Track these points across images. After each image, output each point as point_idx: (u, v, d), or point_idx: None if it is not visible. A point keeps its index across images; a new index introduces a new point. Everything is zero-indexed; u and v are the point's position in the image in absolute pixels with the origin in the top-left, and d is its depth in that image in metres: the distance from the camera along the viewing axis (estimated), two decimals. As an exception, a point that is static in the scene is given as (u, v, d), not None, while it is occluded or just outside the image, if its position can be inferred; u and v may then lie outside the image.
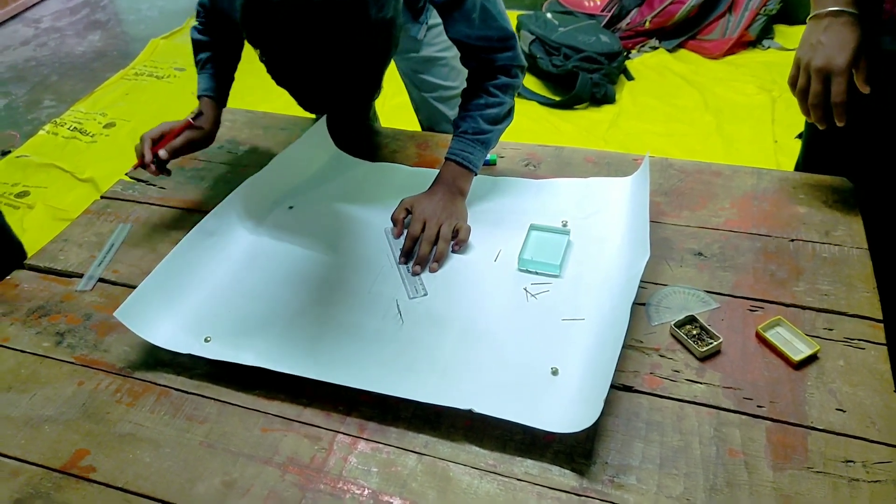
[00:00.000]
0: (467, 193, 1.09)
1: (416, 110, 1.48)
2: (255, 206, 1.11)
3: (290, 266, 1.01)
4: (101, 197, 1.23)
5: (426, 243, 1.00)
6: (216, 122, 1.17)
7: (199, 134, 1.13)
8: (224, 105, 1.19)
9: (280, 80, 0.81)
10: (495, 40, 1.06)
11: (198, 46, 1.18)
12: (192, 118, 1.13)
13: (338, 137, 1.29)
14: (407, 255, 1.01)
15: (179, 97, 2.93)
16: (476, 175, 1.10)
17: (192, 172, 1.27)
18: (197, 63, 1.18)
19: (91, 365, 0.91)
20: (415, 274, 0.99)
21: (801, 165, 1.22)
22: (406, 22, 1.23)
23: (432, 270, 1.00)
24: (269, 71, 0.80)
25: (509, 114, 1.11)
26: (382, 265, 1.00)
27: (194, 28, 1.18)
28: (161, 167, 1.10)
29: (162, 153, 1.09)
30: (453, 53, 1.34)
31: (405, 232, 1.04)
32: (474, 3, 1.01)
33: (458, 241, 1.02)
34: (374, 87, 0.88)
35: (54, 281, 1.05)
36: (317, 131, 1.24)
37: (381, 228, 1.07)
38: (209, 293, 0.97)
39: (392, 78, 1.48)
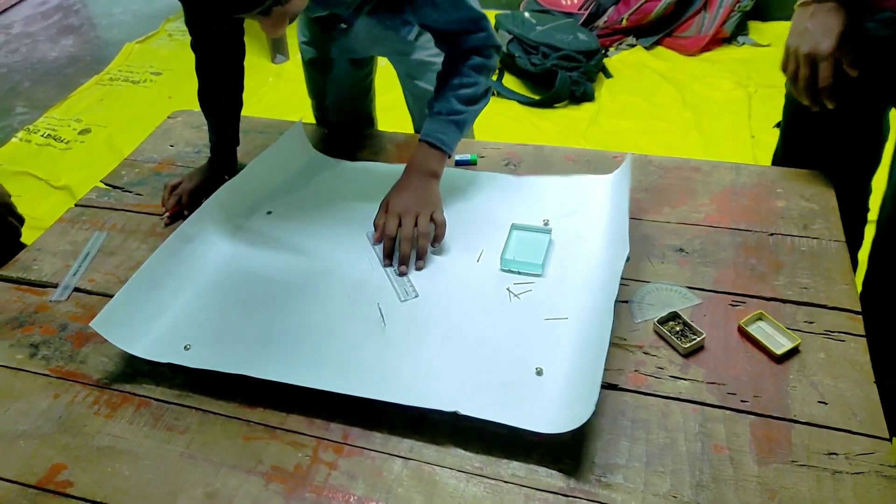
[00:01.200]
0: (440, 175, 1.07)
1: (411, 114, 1.46)
2: (233, 211, 1.10)
3: (270, 272, 1.00)
4: (76, 205, 1.21)
5: (405, 242, 0.99)
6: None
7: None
8: (237, 144, 1.23)
9: None
10: (466, 21, 1.05)
11: (205, 100, 1.19)
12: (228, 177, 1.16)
13: (316, 140, 1.28)
14: (389, 255, 1.00)
15: (156, 102, 2.89)
16: (450, 157, 1.08)
17: (168, 177, 1.25)
18: (208, 118, 1.21)
19: (67, 377, 0.89)
20: (402, 274, 0.98)
21: (780, 154, 1.24)
22: (394, 25, 1.21)
23: (418, 268, 0.99)
24: None
25: (485, 94, 1.10)
26: (363, 269, 0.99)
27: (196, 68, 1.17)
28: (175, 218, 1.15)
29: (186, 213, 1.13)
30: None
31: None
32: None
33: (436, 237, 1.01)
34: None
35: (28, 291, 1.03)
36: (294, 133, 1.22)
37: (361, 230, 1.06)
38: (188, 301, 0.96)
39: (381, 77, 1.47)
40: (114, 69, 3.22)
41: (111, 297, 0.90)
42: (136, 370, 0.89)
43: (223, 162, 1.21)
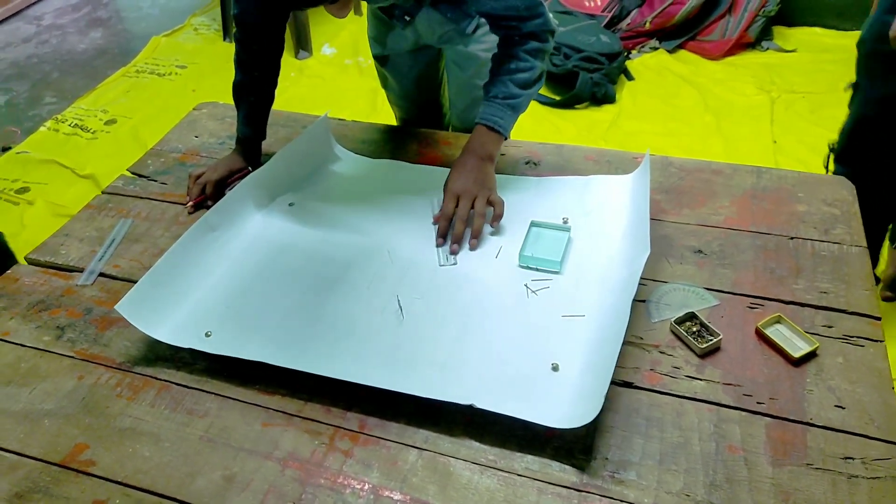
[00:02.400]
0: (496, 158, 1.10)
1: (450, 103, 1.47)
2: (256, 202, 1.11)
3: (290, 262, 1.02)
4: (103, 192, 1.23)
5: (460, 222, 1.02)
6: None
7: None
8: (264, 138, 1.26)
9: None
10: (522, 9, 1.05)
11: (239, 93, 1.21)
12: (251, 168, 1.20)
13: (339, 133, 1.30)
14: (443, 235, 1.03)
15: (181, 94, 2.93)
16: (506, 139, 1.10)
17: (192, 167, 1.27)
18: (239, 109, 1.22)
19: (91, 359, 0.91)
20: (453, 253, 1.01)
21: (850, 125, 1.28)
22: (455, 17, 1.22)
23: (472, 247, 1.01)
24: None
25: (540, 78, 1.11)
26: (383, 260, 1.00)
27: (235, 61, 1.20)
28: (199, 206, 1.18)
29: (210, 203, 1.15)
30: None
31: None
32: None
33: (495, 217, 1.04)
34: None
35: (55, 275, 1.06)
36: (318, 128, 1.24)
37: (382, 223, 1.07)
38: (210, 288, 0.97)
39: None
40: (140, 62, 3.26)
41: (135, 282, 0.92)
42: (157, 355, 0.91)
43: (248, 154, 1.23)
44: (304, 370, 0.83)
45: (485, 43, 1.28)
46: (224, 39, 3.40)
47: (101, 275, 1.05)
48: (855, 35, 2.89)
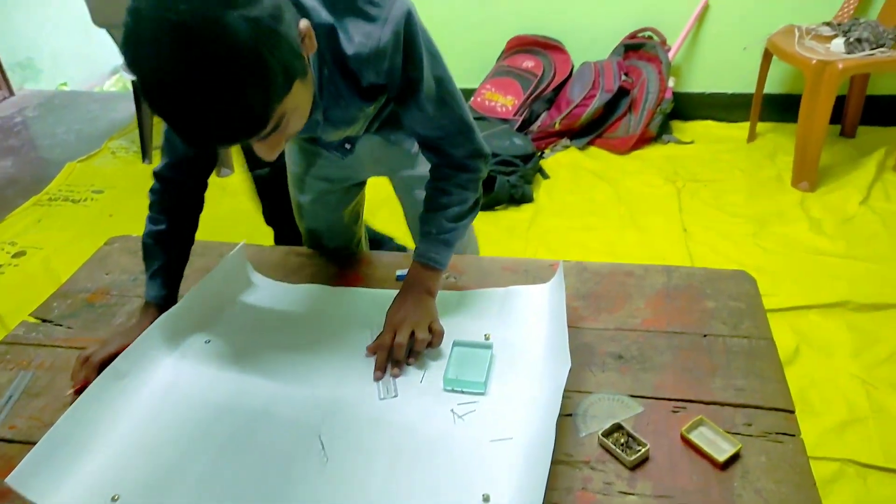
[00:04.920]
0: (436, 292, 1.10)
1: (410, 228, 1.45)
2: (168, 344, 1.07)
3: (206, 409, 0.96)
4: (0, 343, 1.16)
5: (399, 348, 1.00)
6: None
7: None
8: (175, 302, 1.13)
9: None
10: (454, 133, 1.06)
11: (149, 251, 1.12)
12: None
13: (257, 260, 1.28)
14: (382, 368, 1.00)
15: (97, 221, 2.86)
16: (444, 271, 1.11)
17: (102, 308, 1.22)
18: (148, 267, 1.13)
19: (-19, 539, 0.83)
20: (394, 376, 0.99)
21: None
22: (398, 139, 1.23)
23: (409, 364, 1.01)
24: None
25: (474, 206, 1.13)
26: (305, 396, 0.97)
27: (149, 219, 1.12)
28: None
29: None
30: None
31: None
32: (430, 91, 0.99)
33: (432, 344, 1.03)
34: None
35: (-57, 443, 0.97)
36: (234, 258, 1.22)
37: (304, 357, 1.04)
38: (117, 445, 0.91)
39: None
40: (53, 189, 3.18)
41: (34, 444, 0.85)
42: (58, 525, 0.83)
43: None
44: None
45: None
46: (143, 161, 3.38)
47: (-3, 438, 0.97)
48: (742, 126, 3.18)
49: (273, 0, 0.74)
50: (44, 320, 1.20)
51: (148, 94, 0.73)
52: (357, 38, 0.89)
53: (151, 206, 1.13)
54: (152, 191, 1.13)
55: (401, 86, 0.97)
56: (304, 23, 0.81)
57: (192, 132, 0.75)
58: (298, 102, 0.81)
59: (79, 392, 0.98)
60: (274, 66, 0.73)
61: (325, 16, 0.88)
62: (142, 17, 0.70)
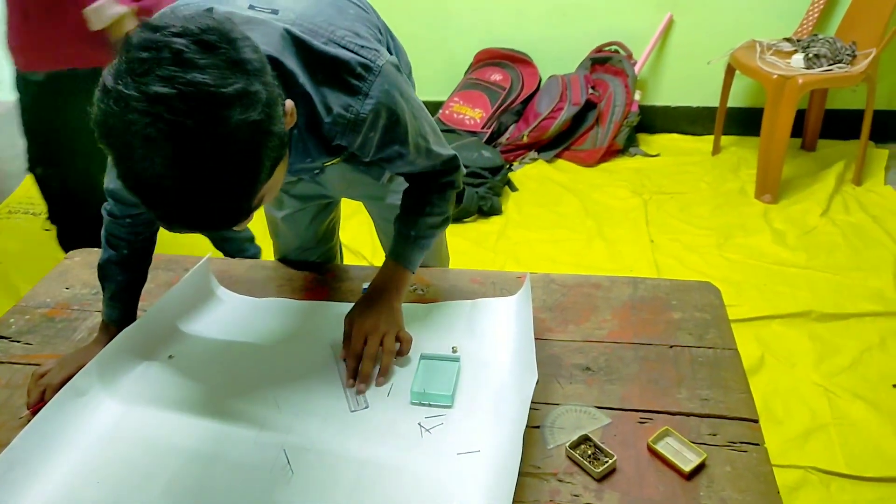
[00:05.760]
0: (403, 294, 1.10)
1: (383, 245, 1.46)
2: (131, 359, 1.04)
3: (169, 425, 0.94)
4: (-46, 361, 1.12)
5: (368, 360, 1.00)
6: None
7: None
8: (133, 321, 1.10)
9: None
10: (439, 166, 1.08)
11: (107, 273, 1.09)
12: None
13: (222, 273, 1.26)
14: (353, 375, 1.00)
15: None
16: (412, 275, 1.12)
17: (62, 323, 1.19)
18: (105, 289, 1.10)
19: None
20: (359, 392, 0.98)
21: None
22: (367, 169, 1.20)
23: (379, 385, 0.99)
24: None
25: (446, 222, 1.15)
26: (270, 411, 0.96)
27: (105, 241, 1.09)
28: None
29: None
30: None
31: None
32: (417, 150, 1.00)
33: (401, 352, 1.03)
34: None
35: None
36: (199, 272, 1.20)
37: (267, 371, 1.03)
38: (76, 465, 0.88)
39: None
40: (13, 202, 3.10)
41: (-13, 466, 0.82)
42: (12, 550, 0.80)
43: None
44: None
45: (401, 193, 1.26)
46: (107, 173, 3.31)
47: (-52, 459, 0.93)
48: (707, 139, 3.24)
49: (267, 94, 0.71)
50: (1, 336, 1.17)
51: (138, 190, 0.69)
52: (336, 108, 0.87)
53: (107, 227, 1.08)
54: (108, 212, 1.07)
55: (388, 156, 0.98)
56: (289, 104, 0.78)
57: (178, 224, 0.73)
58: (276, 181, 0.80)
59: (35, 412, 0.95)
60: (265, 164, 0.72)
61: (303, 82, 0.85)
62: (129, 108, 0.64)
